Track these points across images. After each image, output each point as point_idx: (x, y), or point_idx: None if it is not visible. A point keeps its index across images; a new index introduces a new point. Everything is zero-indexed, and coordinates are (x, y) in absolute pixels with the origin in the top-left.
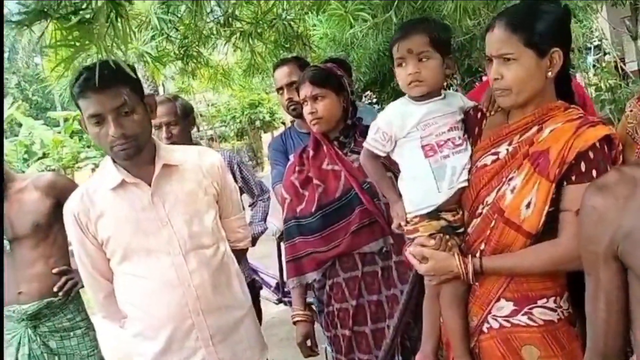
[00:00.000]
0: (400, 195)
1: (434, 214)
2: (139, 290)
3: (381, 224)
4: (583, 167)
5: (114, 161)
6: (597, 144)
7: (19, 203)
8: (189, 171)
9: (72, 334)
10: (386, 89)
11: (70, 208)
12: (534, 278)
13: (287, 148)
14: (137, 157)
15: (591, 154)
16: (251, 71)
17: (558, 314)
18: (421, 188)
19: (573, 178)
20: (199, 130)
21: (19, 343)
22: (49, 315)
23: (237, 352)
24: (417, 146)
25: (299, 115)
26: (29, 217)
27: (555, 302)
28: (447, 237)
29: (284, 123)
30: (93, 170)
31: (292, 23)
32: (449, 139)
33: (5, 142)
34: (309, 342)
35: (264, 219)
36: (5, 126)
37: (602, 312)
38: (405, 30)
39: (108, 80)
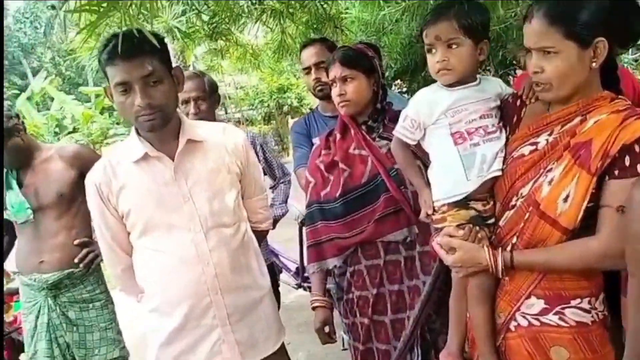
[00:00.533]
0: (428, 184)
1: (462, 203)
2: (157, 266)
3: (407, 212)
4: (627, 161)
5: (138, 133)
6: None
7: (45, 173)
8: (213, 148)
9: (90, 305)
10: (417, 78)
11: (92, 179)
12: (569, 276)
13: (310, 131)
14: (162, 131)
15: (637, 148)
16: (281, 52)
17: (592, 316)
18: (450, 176)
19: (616, 172)
20: (226, 113)
21: (39, 312)
22: (69, 286)
23: (254, 332)
24: (446, 134)
25: (325, 97)
26: (54, 186)
27: (589, 303)
28: (477, 228)
29: (311, 109)
30: None
31: (324, 4)
32: (480, 127)
33: (38, 115)
34: (327, 329)
35: (285, 202)
36: (37, 99)
37: None
38: (434, 16)
39: (137, 48)
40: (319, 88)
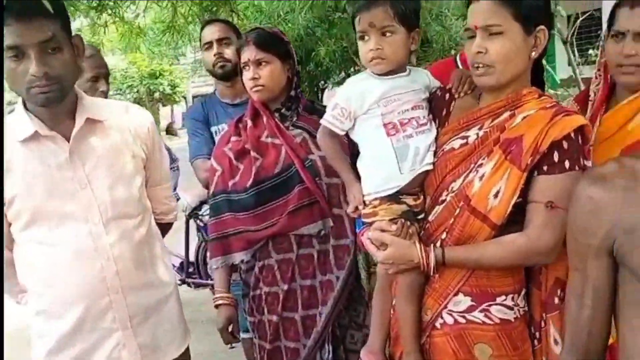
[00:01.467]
0: (358, 177)
1: (394, 197)
2: (46, 261)
3: (321, 205)
4: (556, 157)
5: (27, 108)
6: (572, 134)
7: None
8: (116, 129)
9: None
10: (302, 71)
11: None
12: (496, 273)
13: (208, 118)
14: (57, 106)
15: (565, 144)
16: (170, 32)
17: (515, 313)
18: (382, 169)
19: (545, 168)
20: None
21: None
22: None
23: (158, 335)
24: (379, 124)
25: (226, 75)
26: None
27: (513, 300)
28: (408, 223)
29: (184, 97)
30: None
31: None
32: (412, 118)
33: None
34: (231, 328)
35: (174, 190)
36: None
37: (588, 309)
38: (368, 1)
39: (35, 9)
40: (220, 64)
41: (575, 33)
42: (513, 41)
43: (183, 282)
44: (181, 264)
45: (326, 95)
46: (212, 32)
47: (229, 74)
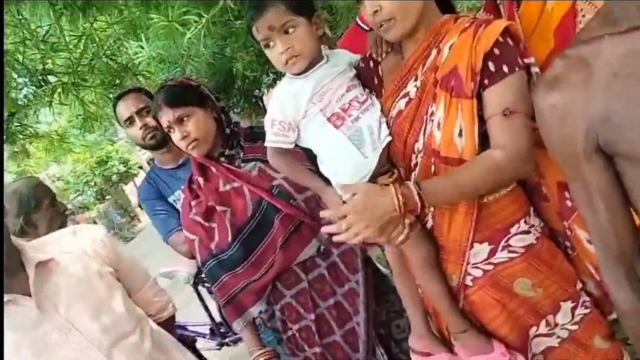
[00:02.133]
0: (327, 181)
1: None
2: None
3: (308, 223)
4: (492, 67)
5: None
6: (500, 39)
7: None
8: (72, 259)
9: None
10: (232, 93)
11: None
12: (498, 207)
13: (160, 192)
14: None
15: (497, 51)
16: (90, 124)
17: (533, 234)
18: (346, 162)
19: (486, 82)
20: None
21: None
22: None
23: None
24: (322, 121)
25: (159, 144)
26: None
27: (526, 222)
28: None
29: (141, 167)
30: None
31: (113, 57)
32: (351, 100)
33: None
34: None
35: None
36: None
37: (604, 212)
38: (257, 7)
39: None
40: (150, 135)
41: None
42: None
43: (222, 344)
44: (211, 330)
45: (266, 101)
46: (127, 107)
47: (161, 141)
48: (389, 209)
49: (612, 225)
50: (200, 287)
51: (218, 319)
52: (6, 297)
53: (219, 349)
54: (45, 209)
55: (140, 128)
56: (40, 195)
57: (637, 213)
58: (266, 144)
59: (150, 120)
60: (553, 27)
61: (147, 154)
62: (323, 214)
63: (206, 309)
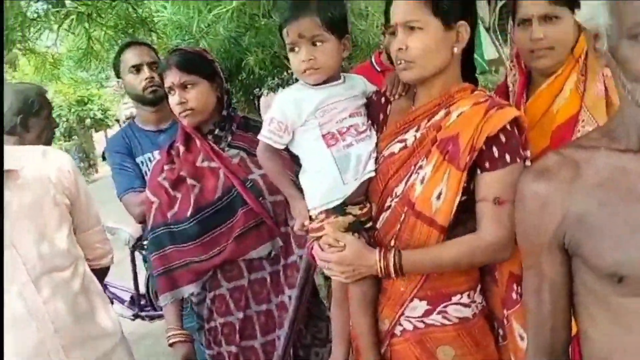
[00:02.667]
0: (301, 192)
1: (339, 209)
2: None
3: (269, 225)
4: (496, 152)
5: None
6: (508, 126)
7: None
8: (33, 177)
9: None
10: (234, 83)
11: None
12: (448, 273)
13: (131, 149)
14: None
15: (503, 138)
16: (88, 60)
17: (472, 309)
18: (324, 181)
19: (487, 165)
20: None
21: None
22: None
23: None
24: (317, 135)
25: (157, 100)
26: None
27: (469, 296)
28: (357, 234)
29: (117, 120)
30: None
31: (135, 6)
32: (351, 126)
33: None
34: None
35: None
36: None
37: (548, 304)
38: (294, 12)
39: None
40: (152, 89)
41: (497, 17)
42: (432, 36)
43: (137, 316)
44: (132, 298)
45: (262, 102)
46: (139, 55)
47: (158, 100)
48: (370, 270)
49: (551, 318)
50: (137, 253)
51: (142, 290)
52: None
53: (132, 320)
54: (43, 118)
55: (146, 79)
56: (44, 104)
57: (575, 319)
58: (259, 137)
59: (156, 76)
60: (553, 127)
61: (128, 111)
62: (295, 228)
63: (135, 276)
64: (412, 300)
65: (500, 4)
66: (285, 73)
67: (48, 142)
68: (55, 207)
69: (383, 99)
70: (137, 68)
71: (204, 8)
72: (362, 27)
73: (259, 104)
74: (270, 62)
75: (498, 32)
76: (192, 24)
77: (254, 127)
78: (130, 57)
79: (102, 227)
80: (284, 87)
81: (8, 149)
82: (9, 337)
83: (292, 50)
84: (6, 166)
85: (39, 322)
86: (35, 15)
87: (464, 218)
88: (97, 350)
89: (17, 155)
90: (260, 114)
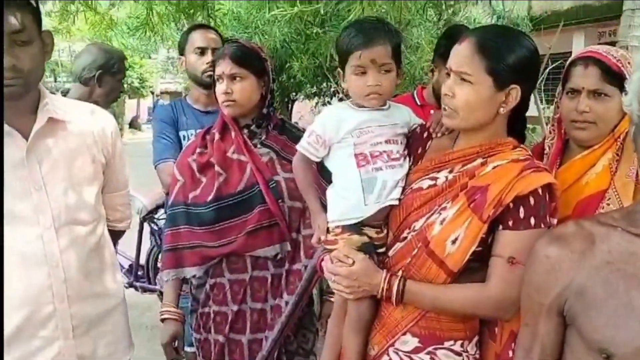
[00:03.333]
0: (324, 207)
1: (356, 228)
2: None
3: (281, 228)
4: (522, 212)
5: None
6: (539, 190)
7: None
8: (78, 131)
9: None
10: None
11: None
12: (447, 317)
13: (177, 122)
14: (17, 102)
15: (532, 200)
16: (143, 30)
17: (462, 359)
18: (348, 198)
19: (510, 223)
20: (56, 81)
21: None
22: None
23: (99, 347)
24: (350, 154)
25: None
26: None
27: (462, 345)
28: (367, 255)
29: (152, 92)
30: None
31: None
32: (384, 151)
33: None
34: (176, 343)
35: None
36: None
37: None
38: (370, 37)
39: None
40: (210, 73)
41: (545, 78)
42: (479, 93)
43: (130, 285)
44: (130, 266)
45: (296, 107)
46: (207, 39)
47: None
48: (373, 289)
49: None
50: (145, 225)
51: (142, 262)
52: (6, 128)
53: (125, 287)
54: (116, 79)
55: (207, 63)
56: (121, 68)
57: None
58: (297, 147)
59: None
60: (579, 198)
61: (163, 86)
62: (312, 241)
63: (139, 247)
64: (405, 333)
65: (551, 66)
66: (324, 84)
67: (110, 102)
68: (91, 163)
69: (425, 134)
70: (202, 51)
71: (265, 7)
72: (410, 59)
73: (292, 108)
74: (313, 70)
75: (542, 92)
76: (250, 19)
77: (289, 131)
78: (198, 38)
79: (128, 192)
80: (320, 97)
81: (59, 99)
82: (17, 275)
83: (357, 73)
84: (55, 115)
85: (51, 268)
86: None
87: (475, 267)
88: (97, 308)
89: (68, 108)
90: (291, 118)
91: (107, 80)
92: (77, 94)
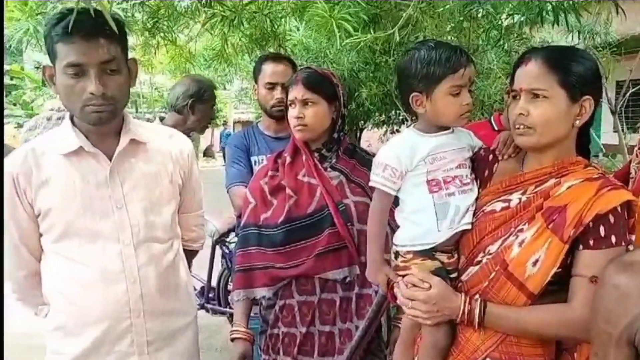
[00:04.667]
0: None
1: (428, 253)
2: (72, 277)
3: (350, 251)
4: (602, 231)
5: (74, 124)
6: (619, 208)
7: None
8: (157, 153)
9: None
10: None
11: (8, 166)
12: (527, 341)
13: (249, 147)
14: (103, 125)
15: (612, 219)
16: (219, 61)
17: None
18: (420, 223)
19: (591, 242)
20: (137, 112)
21: None
22: None
23: None
24: (423, 181)
25: (281, 118)
26: None
27: None
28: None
29: (225, 122)
30: (16, 128)
31: (273, 21)
32: (456, 176)
33: None
34: None
35: None
36: None
37: None
38: (463, 56)
39: (99, 30)
40: (279, 109)
41: (626, 102)
42: (556, 107)
43: (202, 307)
44: (202, 288)
45: (364, 136)
46: (277, 74)
47: (283, 117)
48: (453, 313)
49: None
50: (217, 248)
51: (214, 284)
52: (92, 149)
53: (197, 309)
54: (208, 107)
55: (276, 98)
56: (212, 96)
57: None
58: (372, 183)
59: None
60: None
61: (237, 116)
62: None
63: (210, 269)
64: (484, 358)
65: (632, 90)
66: (393, 112)
67: (204, 128)
68: (170, 184)
69: (491, 156)
70: (272, 86)
71: (335, 37)
72: (481, 85)
73: (360, 136)
74: (381, 98)
75: (623, 116)
76: (320, 49)
77: (360, 155)
78: (268, 72)
79: (202, 213)
80: (388, 125)
81: (140, 123)
82: (97, 290)
83: (453, 94)
84: (137, 137)
85: (130, 284)
86: (183, 9)
87: (554, 290)
88: (171, 324)
89: (148, 131)
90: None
91: (199, 107)
92: (171, 121)
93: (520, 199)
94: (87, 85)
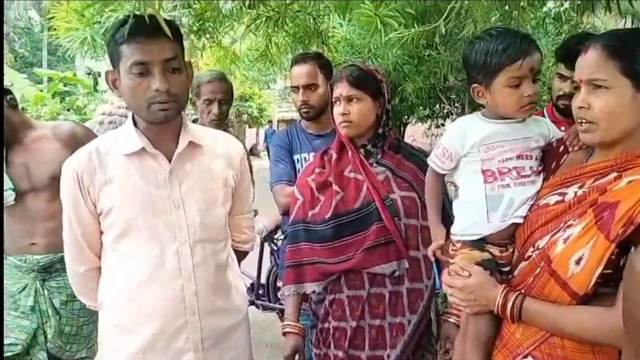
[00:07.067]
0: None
1: (478, 244)
2: (131, 274)
3: (398, 245)
4: None
5: (135, 125)
6: None
7: (38, 152)
8: (214, 156)
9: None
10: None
11: (72, 165)
12: (573, 345)
13: (292, 146)
14: (163, 127)
15: None
16: (263, 61)
17: None
18: (471, 214)
19: None
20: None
21: (26, 295)
22: (60, 270)
23: None
24: (477, 169)
25: (310, 119)
26: (47, 168)
27: None
28: (488, 272)
29: (270, 121)
30: None
31: (316, 19)
32: (514, 167)
33: None
34: (297, 357)
35: None
36: None
37: None
38: (531, 45)
39: (161, 30)
40: (304, 110)
41: None
42: (620, 97)
43: (252, 303)
44: (252, 285)
45: (408, 130)
46: (299, 76)
47: (313, 117)
48: (490, 304)
49: None
50: (266, 245)
51: (263, 280)
52: (153, 150)
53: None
54: (202, 103)
55: (300, 101)
56: (210, 91)
57: None
58: (428, 160)
59: (311, 98)
60: None
61: (280, 115)
62: (428, 251)
63: (259, 266)
64: (526, 356)
65: None
66: (437, 105)
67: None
68: (224, 186)
69: (562, 148)
70: (296, 89)
71: (377, 33)
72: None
73: (404, 131)
74: (427, 92)
75: None
76: (363, 45)
77: (405, 150)
78: (295, 75)
79: (252, 215)
80: (432, 119)
81: (197, 126)
82: (154, 287)
83: (512, 85)
84: (195, 140)
85: (185, 282)
86: (228, 12)
87: (604, 293)
88: (224, 322)
89: (204, 134)
90: None
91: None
92: None
93: (576, 192)
94: (152, 83)
